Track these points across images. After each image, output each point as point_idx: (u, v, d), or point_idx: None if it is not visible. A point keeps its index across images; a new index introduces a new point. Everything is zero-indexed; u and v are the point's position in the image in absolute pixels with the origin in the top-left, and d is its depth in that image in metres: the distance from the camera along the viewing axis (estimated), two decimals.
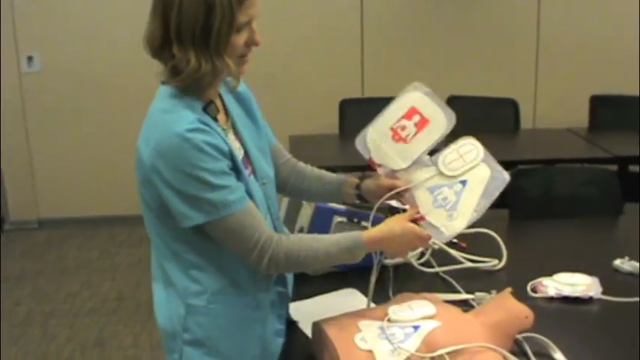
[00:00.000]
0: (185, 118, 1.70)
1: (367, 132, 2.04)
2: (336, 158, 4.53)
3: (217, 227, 1.74)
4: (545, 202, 3.35)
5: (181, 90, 1.74)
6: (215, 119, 1.80)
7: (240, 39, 1.74)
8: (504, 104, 5.25)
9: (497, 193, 1.98)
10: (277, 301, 1.96)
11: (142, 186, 1.79)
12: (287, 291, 2.00)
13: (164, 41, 1.71)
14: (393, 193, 1.98)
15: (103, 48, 5.55)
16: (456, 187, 1.97)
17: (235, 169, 1.77)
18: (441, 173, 1.99)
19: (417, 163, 2.00)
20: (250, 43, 1.78)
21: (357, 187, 2.08)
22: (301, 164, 2.18)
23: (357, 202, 2.09)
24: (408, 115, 2.02)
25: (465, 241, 2.57)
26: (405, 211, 2.03)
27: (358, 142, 2.05)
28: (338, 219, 2.35)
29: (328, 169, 4.17)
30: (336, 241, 1.85)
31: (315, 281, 2.34)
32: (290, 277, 2.02)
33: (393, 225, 1.91)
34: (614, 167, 4.54)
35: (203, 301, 1.82)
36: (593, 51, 5.95)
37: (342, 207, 2.36)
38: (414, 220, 1.95)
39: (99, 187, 5.79)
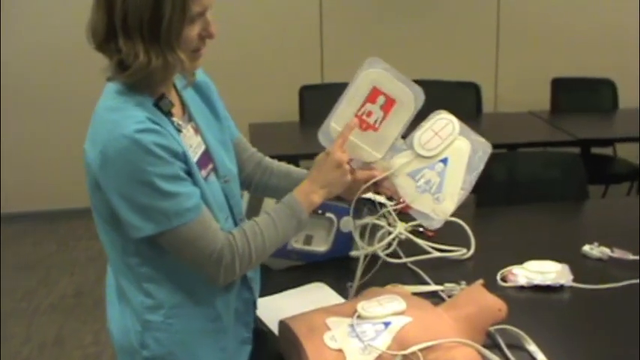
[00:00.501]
0: (133, 117, 1.55)
1: (329, 125, 1.89)
2: (298, 146, 4.46)
3: (169, 238, 1.61)
4: (511, 188, 3.33)
5: (130, 86, 1.61)
6: (169, 114, 1.66)
7: (193, 31, 1.60)
8: (466, 88, 5.23)
9: (482, 165, 1.90)
10: (242, 308, 1.86)
11: (91, 191, 1.66)
12: (253, 297, 1.91)
13: (109, 33, 1.56)
14: (370, 183, 1.86)
15: (63, 42, 5.41)
16: (438, 167, 1.88)
17: (189, 173, 1.64)
18: (418, 155, 1.89)
19: (391, 150, 1.89)
20: (205, 35, 1.63)
21: None
22: (267, 159, 2.06)
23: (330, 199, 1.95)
24: (372, 98, 1.88)
25: (432, 230, 2.51)
26: (391, 201, 1.94)
27: (322, 138, 1.90)
28: None
29: (290, 157, 4.16)
30: (276, 216, 1.74)
31: (280, 276, 2.28)
32: (257, 282, 1.93)
33: (315, 160, 1.84)
34: (576, 150, 4.55)
35: (160, 317, 1.71)
36: (554, 33, 5.96)
37: None
38: (403, 211, 1.89)
39: (55, 180, 5.66)
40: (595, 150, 5.09)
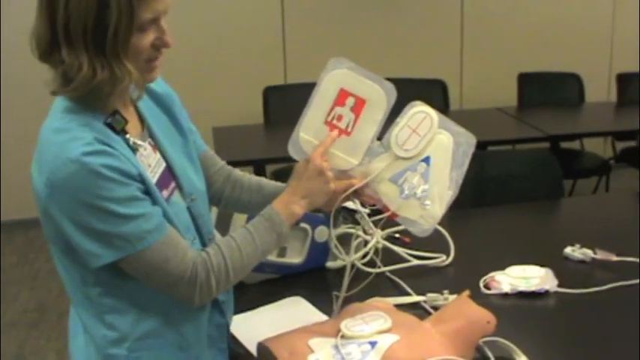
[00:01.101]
0: (80, 138, 1.42)
1: (298, 135, 1.78)
2: (263, 149, 4.40)
3: (134, 263, 1.49)
4: (482, 188, 3.25)
5: (77, 102, 1.48)
6: (122, 132, 1.53)
7: (144, 40, 1.46)
8: (433, 85, 5.18)
9: (468, 160, 1.77)
10: (215, 334, 1.75)
11: (42, 220, 1.54)
12: (226, 321, 1.80)
13: (52, 42, 1.43)
14: (349, 192, 1.75)
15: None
16: (420, 169, 1.76)
17: (148, 194, 1.52)
18: (398, 157, 1.76)
19: (368, 154, 1.77)
20: (159, 44, 1.49)
21: None
22: (237, 172, 1.94)
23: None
24: (340, 101, 1.76)
25: (409, 236, 2.44)
26: (373, 210, 1.83)
27: (292, 150, 1.78)
28: None
29: (256, 162, 4.08)
30: (254, 230, 1.64)
31: (254, 290, 2.18)
32: (230, 305, 1.83)
33: (295, 169, 1.73)
34: (545, 144, 4.53)
35: (124, 350, 1.59)
36: (518, 29, 5.93)
37: None
38: (391, 219, 1.79)
39: (10, 189, 5.50)
40: (562, 144, 5.08)
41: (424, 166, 1.77)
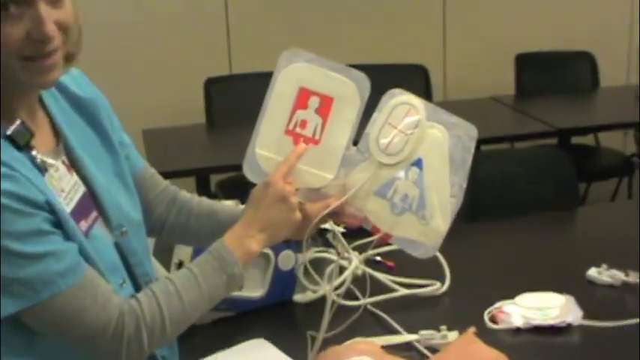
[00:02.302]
0: None
1: (254, 152, 1.74)
2: (207, 155, 4.36)
3: (41, 315, 1.43)
4: (477, 198, 3.21)
5: None
6: (27, 148, 1.48)
7: (12, 29, 1.37)
8: (411, 71, 5.19)
9: (470, 157, 1.72)
10: None
11: None
12: None
13: None
14: (324, 214, 1.71)
15: None
16: (412, 175, 1.71)
17: (60, 225, 1.46)
18: (382, 165, 1.72)
19: (345, 165, 1.73)
20: (37, 36, 1.39)
21: None
22: (184, 194, 1.90)
23: None
24: (302, 103, 1.73)
25: (393, 260, 2.40)
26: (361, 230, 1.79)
27: (249, 171, 1.74)
28: None
29: (198, 171, 4.03)
30: (199, 270, 1.59)
31: (206, 332, 2.13)
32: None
33: (251, 195, 1.69)
34: (551, 141, 4.54)
35: None
36: (512, 2, 5.92)
37: None
38: (383, 242, 1.77)
39: None
40: (573, 139, 5.08)
41: (416, 171, 1.73)
